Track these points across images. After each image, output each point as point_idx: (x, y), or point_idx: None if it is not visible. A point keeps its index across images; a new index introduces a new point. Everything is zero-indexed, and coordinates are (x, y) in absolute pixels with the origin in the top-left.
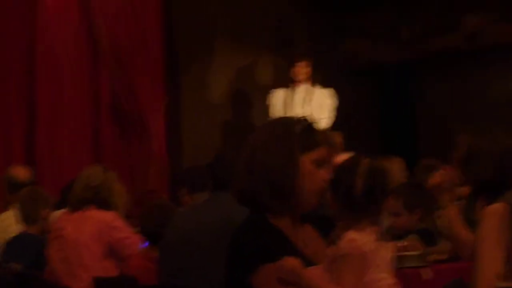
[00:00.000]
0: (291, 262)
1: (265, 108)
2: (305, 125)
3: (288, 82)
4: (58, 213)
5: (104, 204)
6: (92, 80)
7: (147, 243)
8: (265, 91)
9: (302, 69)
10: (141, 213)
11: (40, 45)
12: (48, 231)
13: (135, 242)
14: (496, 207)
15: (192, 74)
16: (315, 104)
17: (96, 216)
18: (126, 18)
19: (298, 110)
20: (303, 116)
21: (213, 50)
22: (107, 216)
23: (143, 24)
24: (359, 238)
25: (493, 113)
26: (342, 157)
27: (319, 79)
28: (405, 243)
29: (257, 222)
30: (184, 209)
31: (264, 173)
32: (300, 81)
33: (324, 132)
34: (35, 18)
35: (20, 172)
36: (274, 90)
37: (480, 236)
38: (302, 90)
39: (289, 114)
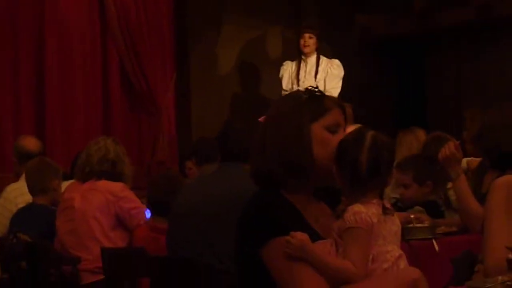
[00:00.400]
0: (299, 237)
1: (275, 81)
2: (311, 93)
3: (297, 55)
4: (67, 184)
5: (118, 176)
6: (102, 54)
7: (150, 214)
8: (275, 64)
9: (307, 40)
10: (149, 184)
11: (50, 22)
12: (58, 201)
13: (142, 213)
14: (506, 179)
15: (201, 48)
16: (323, 76)
17: (105, 187)
18: None
19: (307, 82)
20: (310, 86)
21: (222, 24)
22: (115, 187)
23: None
24: (364, 211)
25: (506, 87)
26: (350, 129)
27: (333, 53)
28: (413, 215)
29: (269, 196)
30: (193, 181)
31: (277, 150)
32: (307, 53)
33: (331, 97)
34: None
35: (30, 142)
36: (284, 63)
37: (489, 208)
38: (310, 62)
39: (298, 87)
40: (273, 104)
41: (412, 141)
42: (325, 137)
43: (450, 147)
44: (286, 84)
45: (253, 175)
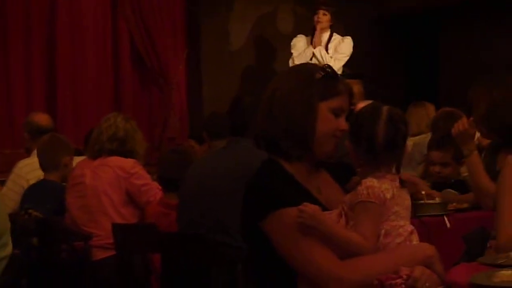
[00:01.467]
0: (311, 207)
1: (286, 56)
2: (326, 73)
3: (309, 30)
4: (78, 159)
5: (128, 154)
6: (113, 30)
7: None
8: (286, 39)
9: (321, 16)
10: (159, 159)
11: None
12: (67, 177)
13: (153, 189)
14: None
15: (212, 24)
16: (334, 52)
17: (116, 163)
18: None
19: (317, 57)
20: (326, 64)
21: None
22: (126, 163)
23: None
24: (377, 185)
25: None
26: (361, 105)
27: (347, 28)
28: (423, 192)
29: (271, 168)
30: (203, 156)
31: (283, 118)
32: (320, 29)
33: (345, 81)
34: None
35: (42, 118)
36: (298, 36)
37: (503, 184)
38: (323, 38)
39: (309, 61)
40: (286, 72)
41: (423, 116)
42: (329, 118)
43: (463, 123)
44: (298, 59)
45: (256, 137)
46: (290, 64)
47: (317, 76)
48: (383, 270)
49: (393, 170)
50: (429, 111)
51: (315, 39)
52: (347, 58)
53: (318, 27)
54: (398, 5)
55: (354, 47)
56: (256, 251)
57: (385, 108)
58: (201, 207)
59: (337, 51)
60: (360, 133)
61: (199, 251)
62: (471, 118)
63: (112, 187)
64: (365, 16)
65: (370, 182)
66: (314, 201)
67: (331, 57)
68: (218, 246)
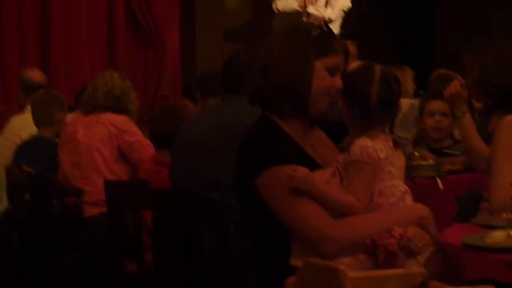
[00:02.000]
0: (301, 170)
1: (282, 15)
2: (322, 31)
3: None
4: (71, 116)
5: (122, 111)
6: None
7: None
8: None
9: None
10: (151, 116)
11: None
12: (61, 132)
13: (145, 147)
14: None
15: None
16: (330, 6)
17: (108, 120)
18: None
19: (312, 10)
20: (323, 22)
21: None
22: (119, 120)
23: None
24: (371, 145)
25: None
26: (354, 65)
27: None
28: (417, 153)
29: (265, 126)
30: (196, 114)
31: (278, 74)
32: None
33: (341, 39)
34: None
35: (35, 74)
36: None
37: (496, 146)
38: None
39: (304, 16)
40: (282, 30)
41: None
42: (324, 75)
43: (455, 85)
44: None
45: (252, 95)
46: (273, 6)
47: (313, 33)
48: (376, 229)
49: (387, 130)
50: (406, 73)
51: None
52: (342, 12)
53: None
54: None
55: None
56: (249, 209)
57: (378, 68)
58: (194, 164)
59: (332, 7)
60: (353, 93)
61: (191, 208)
62: (464, 81)
63: (104, 143)
64: None
65: (364, 142)
66: (309, 158)
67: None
68: (210, 204)
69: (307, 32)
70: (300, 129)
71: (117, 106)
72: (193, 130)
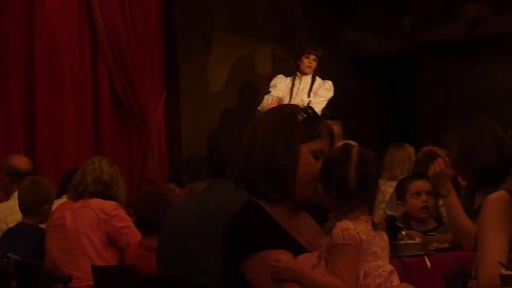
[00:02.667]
0: (284, 260)
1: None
2: (308, 115)
3: (287, 71)
4: (57, 202)
5: (111, 198)
6: (92, 72)
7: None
8: (265, 80)
9: (312, 62)
10: (137, 201)
11: (39, 39)
12: (44, 222)
13: (134, 231)
14: (498, 195)
15: (191, 66)
16: (314, 95)
17: (96, 205)
18: (125, 10)
19: (297, 98)
20: (307, 106)
21: (212, 41)
22: (107, 206)
23: (142, 16)
24: (353, 228)
25: (495, 103)
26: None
27: (322, 70)
28: (404, 232)
29: (251, 210)
30: (182, 199)
31: (263, 159)
32: (308, 73)
33: (326, 123)
34: (34, 12)
35: (21, 161)
36: (278, 76)
37: (483, 223)
38: (304, 80)
39: (289, 101)
40: (267, 113)
41: (405, 159)
42: (309, 160)
43: (439, 164)
44: (277, 93)
45: (237, 179)
46: (265, 101)
47: (299, 118)
48: None
49: (366, 212)
50: (411, 152)
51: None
52: (326, 102)
53: (308, 71)
54: (372, 47)
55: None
56: None
57: (355, 150)
58: (182, 248)
59: (317, 94)
60: (331, 178)
61: None
62: (448, 159)
63: (92, 229)
64: (342, 57)
65: (345, 224)
66: (295, 243)
67: (310, 101)
68: None
69: (292, 116)
70: (286, 213)
71: (105, 192)
72: (180, 214)
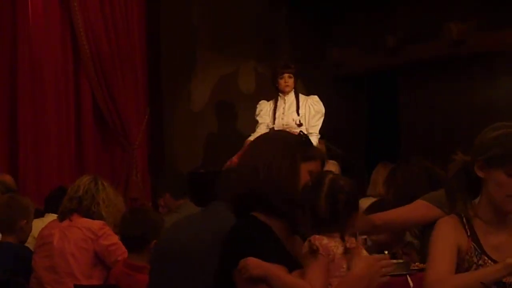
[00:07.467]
0: (252, 259)
1: (249, 116)
2: (305, 137)
3: (272, 91)
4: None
5: (87, 213)
6: (75, 90)
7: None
8: (248, 99)
9: (288, 80)
10: (122, 219)
11: (22, 57)
12: (25, 241)
13: (121, 248)
14: (448, 217)
15: (175, 85)
16: (303, 111)
17: (83, 225)
18: (108, 29)
19: (286, 118)
20: (300, 131)
21: (196, 61)
22: (95, 225)
23: (126, 36)
24: (326, 241)
25: (477, 120)
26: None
27: (306, 87)
28: (386, 252)
29: (253, 223)
30: (174, 223)
31: (271, 177)
32: (287, 92)
33: (318, 149)
34: (16, 29)
35: (5, 179)
36: (260, 102)
37: (432, 239)
38: (288, 99)
39: (273, 125)
40: (269, 132)
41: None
42: (307, 179)
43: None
44: (264, 119)
45: (240, 194)
46: (258, 130)
47: (298, 138)
48: None
49: (338, 239)
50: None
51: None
52: (322, 117)
53: (287, 90)
54: (355, 64)
55: None
56: None
57: (328, 179)
58: (176, 272)
59: (311, 117)
60: (304, 205)
61: None
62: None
63: (79, 248)
64: (323, 75)
65: (320, 237)
66: (291, 257)
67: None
68: None
69: (291, 138)
70: (283, 232)
71: (79, 208)
72: (176, 236)
